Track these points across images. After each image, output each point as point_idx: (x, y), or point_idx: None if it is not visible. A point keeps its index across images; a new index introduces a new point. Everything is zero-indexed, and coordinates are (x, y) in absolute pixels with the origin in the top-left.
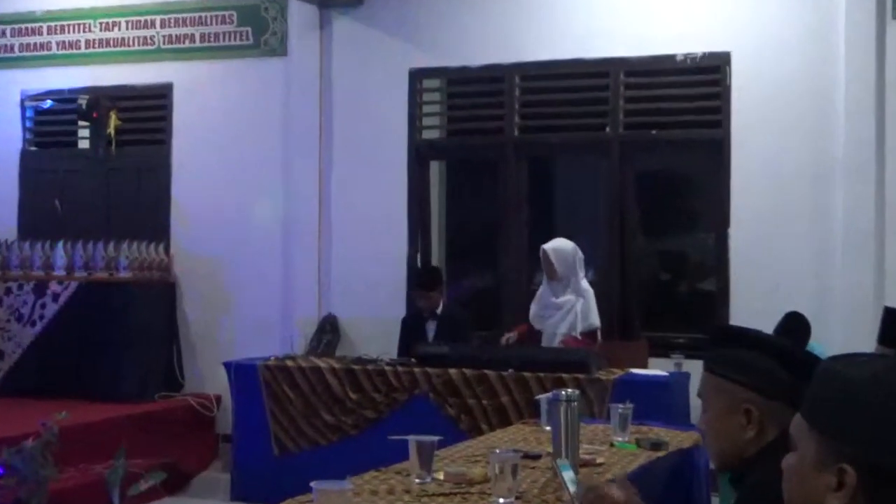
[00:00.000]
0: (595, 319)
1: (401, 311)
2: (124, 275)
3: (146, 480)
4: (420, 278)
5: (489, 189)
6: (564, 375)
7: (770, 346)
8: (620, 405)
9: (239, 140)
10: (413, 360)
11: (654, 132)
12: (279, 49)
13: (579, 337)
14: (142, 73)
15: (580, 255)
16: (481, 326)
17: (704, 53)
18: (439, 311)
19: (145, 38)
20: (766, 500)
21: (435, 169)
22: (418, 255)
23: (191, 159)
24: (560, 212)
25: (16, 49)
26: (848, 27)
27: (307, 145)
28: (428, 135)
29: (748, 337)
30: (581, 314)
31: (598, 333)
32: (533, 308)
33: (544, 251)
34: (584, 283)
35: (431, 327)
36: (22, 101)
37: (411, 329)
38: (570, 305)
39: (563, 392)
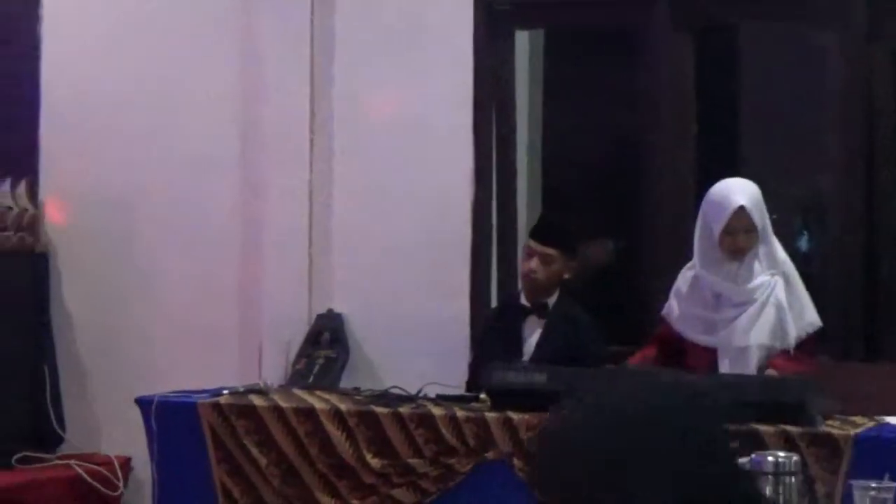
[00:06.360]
0: (815, 315)
1: (460, 306)
2: None
3: None
4: (538, 224)
5: (625, 82)
6: (763, 427)
7: None
8: (873, 483)
9: None
10: (483, 395)
11: None
12: None
13: (792, 353)
14: None
15: None
16: (610, 336)
17: None
18: (552, 302)
19: None
20: None
21: (522, 45)
22: (493, 202)
23: (73, 14)
24: (751, 124)
25: None
26: None
27: None
28: None
29: None
30: (790, 306)
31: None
32: (683, 307)
33: (740, 207)
34: (782, 251)
35: (534, 331)
36: None
37: (498, 335)
38: (766, 292)
39: (768, 458)
